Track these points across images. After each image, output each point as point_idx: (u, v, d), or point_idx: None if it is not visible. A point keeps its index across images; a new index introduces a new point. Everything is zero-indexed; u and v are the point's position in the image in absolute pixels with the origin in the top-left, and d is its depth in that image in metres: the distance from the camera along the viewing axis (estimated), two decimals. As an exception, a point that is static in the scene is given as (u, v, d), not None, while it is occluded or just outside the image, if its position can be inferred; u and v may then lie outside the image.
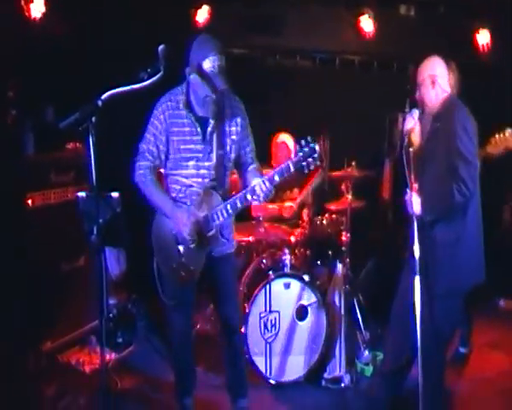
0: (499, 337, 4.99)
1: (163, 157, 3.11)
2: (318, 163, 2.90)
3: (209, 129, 3.07)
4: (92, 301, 3.97)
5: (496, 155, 3.78)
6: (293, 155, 2.94)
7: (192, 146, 3.06)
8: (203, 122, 3.07)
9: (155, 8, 5.19)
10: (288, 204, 4.86)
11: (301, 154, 2.87)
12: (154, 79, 2.64)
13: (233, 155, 3.18)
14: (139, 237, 3.38)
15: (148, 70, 2.64)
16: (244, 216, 4.55)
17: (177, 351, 3.40)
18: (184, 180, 3.10)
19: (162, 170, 3.21)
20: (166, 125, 3.05)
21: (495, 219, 6.18)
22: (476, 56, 5.97)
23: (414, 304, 3.01)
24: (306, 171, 2.90)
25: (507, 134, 3.71)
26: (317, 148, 2.86)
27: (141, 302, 4.81)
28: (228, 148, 3.14)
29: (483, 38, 5.95)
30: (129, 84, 2.56)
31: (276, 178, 2.91)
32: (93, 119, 2.44)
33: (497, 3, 5.62)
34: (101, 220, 2.75)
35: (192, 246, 3.05)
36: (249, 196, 2.98)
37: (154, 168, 3.13)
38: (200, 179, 3.09)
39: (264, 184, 2.92)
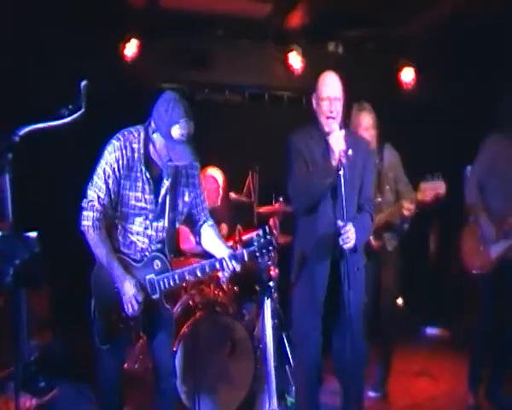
0: (426, 364, 5.17)
1: (114, 205, 2.90)
2: (272, 255, 2.88)
3: (163, 191, 2.93)
4: (11, 344, 3.79)
5: (428, 202, 3.92)
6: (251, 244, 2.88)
7: (143, 204, 2.91)
8: (157, 182, 2.92)
9: (83, 41, 5.14)
10: None
11: (256, 244, 2.84)
12: (75, 115, 2.58)
13: (183, 217, 3.09)
14: (63, 275, 3.28)
15: (70, 106, 2.58)
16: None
17: (105, 394, 3.21)
18: (130, 236, 2.95)
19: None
20: (120, 175, 2.84)
21: (421, 250, 6.40)
22: (401, 93, 6.23)
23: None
24: (260, 260, 2.88)
25: (436, 182, 3.82)
26: (273, 241, 2.81)
27: (66, 343, 4.62)
28: (180, 209, 3.03)
29: (407, 75, 6.22)
30: (50, 120, 2.50)
31: (234, 263, 2.87)
32: (9, 155, 2.36)
33: (421, 42, 5.91)
34: (17, 261, 2.66)
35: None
36: (200, 273, 2.90)
37: (103, 220, 2.89)
38: (146, 240, 2.96)
39: (231, 260, 2.86)
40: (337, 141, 3.10)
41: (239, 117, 6.02)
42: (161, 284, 2.93)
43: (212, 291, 4.18)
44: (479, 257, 4.09)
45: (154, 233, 2.96)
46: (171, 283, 2.93)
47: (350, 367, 3.22)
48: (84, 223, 2.89)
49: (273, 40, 6.10)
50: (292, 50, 6.02)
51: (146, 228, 2.94)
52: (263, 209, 4.67)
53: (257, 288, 4.49)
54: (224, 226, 5.01)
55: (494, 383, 4.25)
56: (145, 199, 2.90)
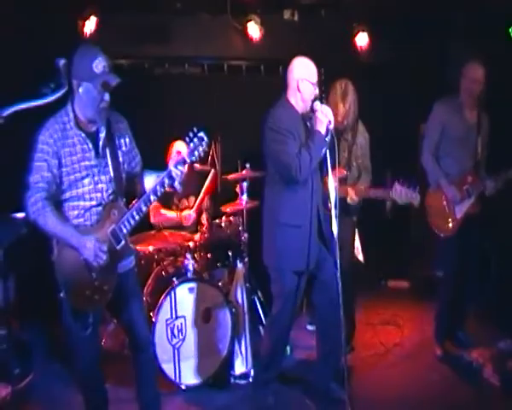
0: (390, 314, 5.50)
1: (58, 181, 2.97)
2: (206, 148, 3.06)
3: (101, 143, 3.05)
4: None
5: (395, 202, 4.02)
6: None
7: (86, 162, 3.00)
8: (94, 138, 3.04)
9: (40, 20, 5.06)
10: (186, 212, 4.93)
11: (192, 145, 3.03)
12: (58, 94, 2.57)
13: (126, 167, 3.20)
14: (27, 260, 3.24)
15: (52, 85, 2.57)
16: (143, 226, 4.54)
17: (86, 374, 3.26)
18: (82, 203, 3.01)
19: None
20: (57, 147, 2.93)
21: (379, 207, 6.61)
22: (356, 57, 6.35)
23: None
24: (198, 159, 3.08)
25: (412, 194, 3.91)
26: (203, 135, 3.02)
27: (36, 328, 4.66)
28: (121, 159, 3.16)
29: (362, 40, 6.34)
30: (33, 100, 2.47)
31: (180, 167, 3.02)
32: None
33: (374, 9, 6.02)
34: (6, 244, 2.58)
35: (104, 266, 3.00)
36: (153, 197, 3.02)
37: (51, 197, 2.96)
38: (99, 194, 3.03)
39: (176, 167, 3.00)
40: (327, 113, 3.45)
41: (199, 89, 6.02)
42: (122, 228, 3.04)
43: (187, 260, 4.24)
44: (446, 220, 4.36)
45: (104, 185, 3.06)
46: (132, 221, 3.04)
47: (332, 318, 3.58)
48: (35, 208, 2.93)
49: (230, 11, 6.06)
50: (250, 20, 6.00)
51: (96, 184, 3.04)
52: (229, 177, 4.78)
53: (229, 253, 4.57)
54: (192, 199, 5.07)
55: (455, 323, 4.61)
56: (87, 157, 3.01)
